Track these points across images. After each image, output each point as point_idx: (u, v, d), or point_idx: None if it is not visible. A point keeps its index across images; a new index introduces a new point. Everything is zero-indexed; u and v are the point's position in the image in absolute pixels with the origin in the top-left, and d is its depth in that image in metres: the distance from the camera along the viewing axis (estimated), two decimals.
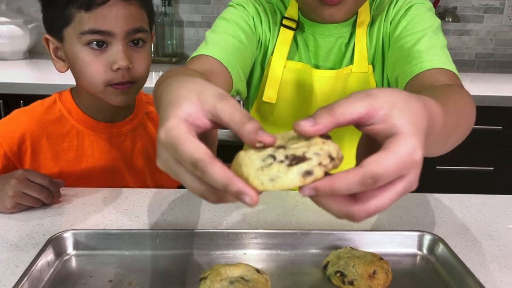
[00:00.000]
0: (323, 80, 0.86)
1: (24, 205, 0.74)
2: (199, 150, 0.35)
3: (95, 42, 0.79)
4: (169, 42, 2.24)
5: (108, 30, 0.79)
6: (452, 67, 0.72)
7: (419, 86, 0.69)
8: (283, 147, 0.37)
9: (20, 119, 0.89)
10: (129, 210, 0.77)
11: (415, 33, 0.76)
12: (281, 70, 0.85)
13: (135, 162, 0.95)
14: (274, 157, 0.36)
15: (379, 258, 0.59)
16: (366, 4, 0.83)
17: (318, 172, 0.35)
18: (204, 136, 0.40)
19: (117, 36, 0.79)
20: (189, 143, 0.36)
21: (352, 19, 0.84)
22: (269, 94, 0.85)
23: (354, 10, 0.79)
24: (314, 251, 0.64)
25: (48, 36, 0.86)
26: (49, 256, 0.59)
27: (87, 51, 0.80)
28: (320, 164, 0.35)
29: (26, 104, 1.59)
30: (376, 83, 0.86)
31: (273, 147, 0.36)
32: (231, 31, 0.79)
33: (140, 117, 0.97)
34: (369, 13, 0.84)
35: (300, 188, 0.36)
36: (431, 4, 0.82)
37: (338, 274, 0.57)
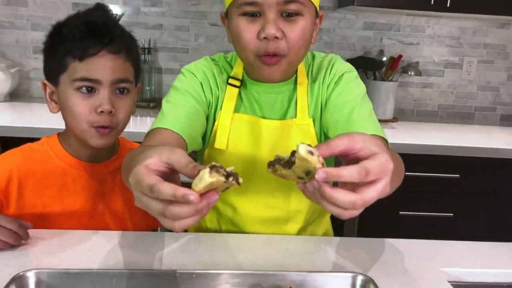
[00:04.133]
0: (270, 129, 0.96)
1: None
2: (152, 178, 0.51)
3: (84, 88, 0.90)
4: (147, 88, 2.34)
5: (97, 78, 0.90)
6: (380, 132, 0.87)
7: None
8: None
9: (10, 159, 0.97)
10: (92, 251, 0.83)
11: (348, 102, 0.91)
12: (229, 121, 0.96)
13: (114, 201, 1.02)
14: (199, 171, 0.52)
15: None
16: (303, 70, 0.97)
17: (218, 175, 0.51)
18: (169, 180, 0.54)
19: (104, 84, 0.91)
20: (146, 177, 0.51)
21: (292, 79, 0.97)
22: (220, 141, 0.96)
23: (287, 73, 0.93)
24: None
25: (46, 82, 0.97)
26: None
27: (77, 95, 0.91)
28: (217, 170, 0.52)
29: (3, 146, 1.66)
30: (316, 134, 0.97)
31: None
32: (184, 101, 0.91)
33: (122, 161, 1.04)
34: (305, 76, 0.98)
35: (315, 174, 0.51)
36: (356, 72, 0.98)
37: None
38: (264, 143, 0.96)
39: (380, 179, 0.53)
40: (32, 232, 0.86)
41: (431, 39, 2.46)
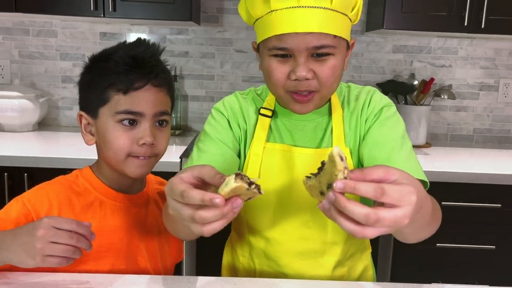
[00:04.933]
0: (304, 156, 0.93)
1: (54, 257, 0.74)
2: (183, 185, 0.60)
3: (126, 120, 0.89)
4: (173, 115, 2.32)
5: (140, 111, 0.89)
6: (421, 174, 0.85)
7: None
8: None
9: (48, 189, 0.93)
10: None
11: (389, 141, 0.89)
12: (261, 150, 0.95)
13: (148, 232, 1.00)
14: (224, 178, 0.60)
15: None
16: (336, 100, 0.96)
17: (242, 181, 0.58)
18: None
19: (146, 117, 0.90)
20: (178, 185, 0.60)
21: (325, 107, 0.96)
22: (252, 170, 0.94)
23: (319, 106, 0.93)
24: None
25: (82, 113, 0.95)
26: None
27: (119, 127, 0.90)
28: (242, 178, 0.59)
29: (29, 177, 1.65)
30: (353, 164, 0.94)
31: None
32: (211, 144, 0.93)
33: (151, 194, 1.03)
34: (340, 106, 0.97)
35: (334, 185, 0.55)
36: (395, 107, 0.97)
37: None
38: (297, 171, 0.93)
39: (399, 206, 0.55)
40: (59, 276, 0.82)
41: (464, 61, 2.37)
